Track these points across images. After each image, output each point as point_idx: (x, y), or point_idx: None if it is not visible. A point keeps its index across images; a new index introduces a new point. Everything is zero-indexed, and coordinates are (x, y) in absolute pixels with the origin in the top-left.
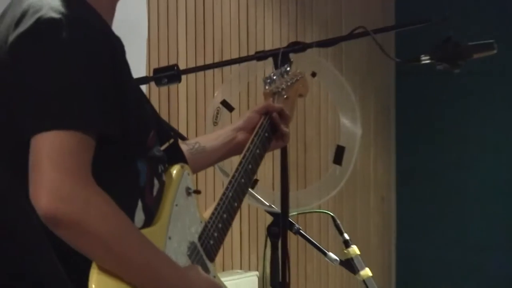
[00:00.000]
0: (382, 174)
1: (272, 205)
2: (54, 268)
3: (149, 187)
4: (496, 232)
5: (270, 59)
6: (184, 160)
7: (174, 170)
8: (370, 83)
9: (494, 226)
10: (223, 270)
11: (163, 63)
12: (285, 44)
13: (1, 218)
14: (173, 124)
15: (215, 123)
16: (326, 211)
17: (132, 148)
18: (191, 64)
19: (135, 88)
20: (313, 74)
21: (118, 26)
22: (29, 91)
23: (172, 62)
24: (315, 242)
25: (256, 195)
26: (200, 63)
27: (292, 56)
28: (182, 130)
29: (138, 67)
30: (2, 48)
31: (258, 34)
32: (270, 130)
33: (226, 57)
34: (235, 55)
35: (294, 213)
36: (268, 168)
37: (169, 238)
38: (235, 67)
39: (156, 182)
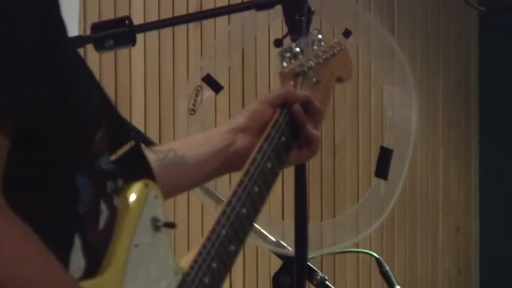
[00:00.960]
0: (457, 193)
1: (282, 242)
2: None
3: (92, 215)
4: None
5: (279, 9)
6: (149, 175)
7: (134, 191)
8: (438, 48)
9: None
10: None
11: (107, 16)
12: None
13: None
14: (123, 114)
15: (192, 112)
16: (368, 251)
17: (68, 155)
18: (152, 17)
19: (75, 60)
20: (347, 33)
21: None
22: None
23: (122, 13)
24: None
25: (257, 226)
26: (167, 14)
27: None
28: (138, 124)
29: (68, 20)
30: None
31: None
32: (289, 132)
33: (208, 6)
34: (221, 3)
35: (317, 255)
36: (277, 186)
37: None
38: (222, 22)
39: (103, 208)
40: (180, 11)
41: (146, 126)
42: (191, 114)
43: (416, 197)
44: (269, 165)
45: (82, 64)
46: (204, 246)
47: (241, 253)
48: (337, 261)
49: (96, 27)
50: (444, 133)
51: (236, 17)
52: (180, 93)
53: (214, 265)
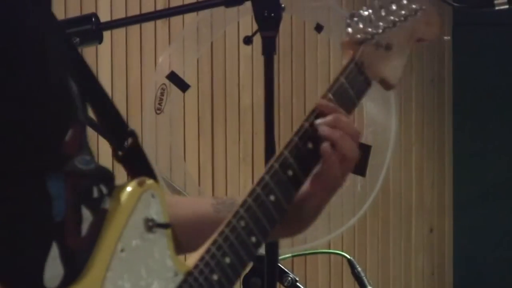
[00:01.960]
0: (431, 193)
1: None
2: None
3: (72, 222)
4: None
5: (248, 5)
6: (149, 172)
7: (125, 191)
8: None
9: None
10: None
11: (73, 13)
12: None
13: None
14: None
15: (158, 111)
16: (340, 252)
17: (36, 156)
18: (119, 14)
19: (49, 57)
20: (318, 28)
21: None
22: None
23: (88, 10)
24: None
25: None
26: (134, 11)
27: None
28: None
29: None
30: None
31: None
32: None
33: (176, 3)
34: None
35: (288, 256)
36: (245, 177)
37: None
38: (190, 18)
39: (86, 213)
40: (148, 7)
41: None
42: (158, 114)
43: (389, 196)
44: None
45: (59, 63)
46: (214, 241)
47: None
48: (308, 262)
49: (61, 24)
50: (418, 132)
51: (205, 10)
52: (148, 91)
53: (227, 260)
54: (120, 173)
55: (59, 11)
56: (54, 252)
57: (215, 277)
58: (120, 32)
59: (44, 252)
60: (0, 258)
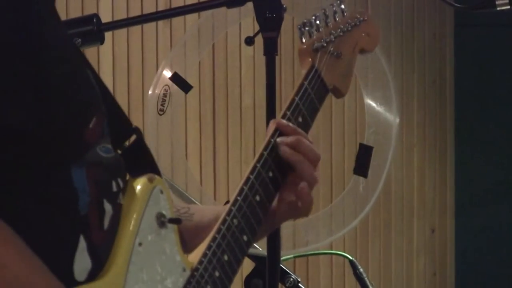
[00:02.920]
0: (432, 194)
1: (255, 245)
2: None
3: (96, 216)
4: None
5: (250, 6)
6: (154, 169)
7: (137, 186)
8: (413, 46)
9: None
10: None
11: (75, 14)
12: None
13: None
14: None
15: (161, 112)
16: (342, 253)
17: (60, 144)
18: (121, 15)
19: (67, 49)
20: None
21: None
22: None
23: (89, 11)
24: None
25: None
26: (135, 12)
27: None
28: None
29: None
30: None
31: None
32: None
33: (178, 3)
34: (191, 0)
35: (290, 257)
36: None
37: None
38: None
39: (108, 207)
40: (149, 8)
41: None
42: (160, 115)
43: (390, 198)
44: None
45: (75, 53)
46: (214, 239)
47: None
48: (310, 263)
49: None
50: (419, 133)
51: (207, 12)
52: (149, 92)
53: (225, 257)
54: None
55: (61, 12)
56: (82, 245)
57: (217, 273)
58: (121, 33)
59: (73, 246)
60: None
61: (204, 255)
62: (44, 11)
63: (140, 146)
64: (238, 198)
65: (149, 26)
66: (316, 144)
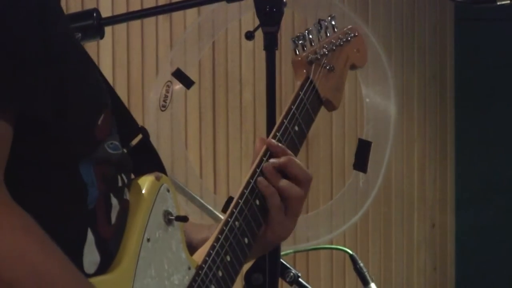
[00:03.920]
0: (433, 188)
1: None
2: None
3: (103, 210)
4: None
5: (250, 0)
6: (160, 167)
7: (145, 184)
8: (414, 40)
9: None
10: None
11: (75, 8)
12: None
13: None
14: None
15: (163, 108)
16: (342, 248)
17: (70, 140)
18: (121, 10)
19: (75, 46)
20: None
21: None
22: None
23: (89, 5)
24: None
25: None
26: (135, 6)
27: None
28: None
29: None
30: None
31: None
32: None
33: None
34: None
35: (290, 251)
36: (246, 173)
37: None
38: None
39: (114, 201)
40: (149, 3)
41: None
42: (162, 110)
43: (391, 192)
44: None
45: (81, 50)
46: (217, 239)
47: None
48: (310, 258)
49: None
50: (420, 128)
51: (207, 8)
52: (149, 86)
53: (228, 258)
54: None
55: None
56: (90, 239)
57: (220, 273)
58: (121, 27)
59: (82, 239)
60: None
61: (208, 254)
62: (53, 6)
63: (146, 145)
64: (240, 201)
65: (149, 21)
66: (316, 141)
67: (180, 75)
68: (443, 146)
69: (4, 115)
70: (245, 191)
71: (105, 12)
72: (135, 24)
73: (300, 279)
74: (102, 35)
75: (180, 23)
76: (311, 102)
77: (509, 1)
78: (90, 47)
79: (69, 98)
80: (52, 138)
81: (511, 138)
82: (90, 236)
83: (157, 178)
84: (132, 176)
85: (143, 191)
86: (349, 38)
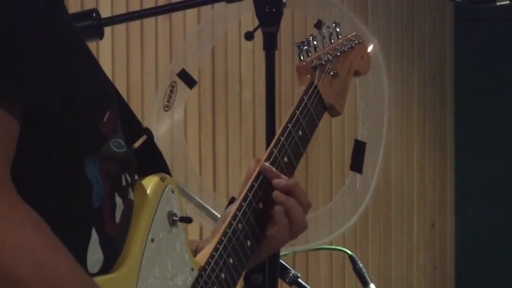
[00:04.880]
0: (432, 188)
1: None
2: None
3: (108, 208)
4: None
5: (249, 1)
6: (165, 168)
7: (150, 184)
8: (413, 39)
9: None
10: None
11: (74, 9)
12: None
13: None
14: None
15: (166, 108)
16: (342, 248)
17: (77, 136)
18: (120, 10)
19: (79, 43)
20: (319, 24)
21: None
22: None
23: (88, 6)
24: None
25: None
26: (135, 7)
27: None
28: None
29: None
30: None
31: None
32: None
33: None
34: None
35: (289, 252)
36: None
37: None
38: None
39: (119, 200)
40: (149, 3)
41: None
42: (166, 111)
43: (390, 192)
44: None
45: (86, 47)
46: (220, 241)
47: None
48: (310, 259)
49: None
50: (419, 128)
51: (207, 14)
52: (149, 87)
53: (231, 260)
54: None
55: None
56: (94, 237)
57: (222, 275)
58: (121, 28)
59: (86, 238)
60: None
61: (211, 256)
62: (59, 3)
63: (151, 146)
64: (243, 203)
65: (149, 21)
66: (316, 141)
67: (184, 76)
68: (443, 146)
69: (11, 108)
70: (248, 194)
71: (105, 13)
72: (135, 24)
73: (299, 280)
74: (101, 36)
75: (180, 23)
76: (315, 107)
77: (508, 1)
78: (89, 47)
79: (76, 92)
80: (59, 133)
81: (511, 139)
82: (94, 235)
83: (162, 179)
84: (136, 177)
85: (148, 192)
86: (353, 45)
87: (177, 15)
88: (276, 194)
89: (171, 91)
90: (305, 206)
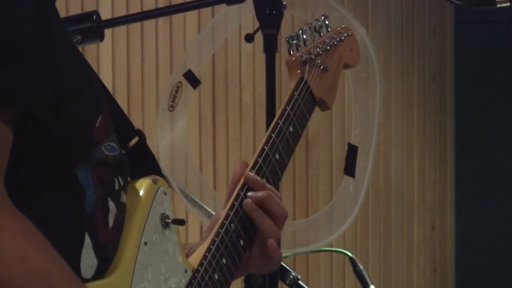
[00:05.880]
0: (432, 191)
1: None
2: None
3: (101, 213)
4: None
5: (250, 2)
6: (157, 170)
7: (142, 187)
8: (413, 41)
9: None
10: None
11: (75, 11)
12: None
13: None
14: None
15: (171, 108)
16: (342, 250)
17: (69, 142)
18: (120, 12)
19: (72, 48)
20: None
21: None
22: None
23: (89, 8)
24: None
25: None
26: (135, 9)
27: None
28: None
29: None
30: None
31: None
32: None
33: (178, 0)
34: None
35: (290, 254)
36: None
37: None
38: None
39: (112, 205)
40: (149, 5)
41: None
42: (170, 111)
43: (390, 195)
44: (217, 276)
45: (77, 52)
46: (213, 241)
47: None
48: (310, 261)
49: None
50: (419, 130)
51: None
52: (149, 89)
53: (224, 260)
54: None
55: (61, 9)
56: (88, 243)
57: (216, 276)
58: (121, 30)
59: (79, 243)
60: None
61: (204, 257)
62: (50, 9)
63: (143, 148)
64: (235, 203)
65: (149, 23)
66: (316, 143)
67: (190, 76)
68: (443, 148)
69: (5, 117)
70: (240, 192)
71: (105, 15)
72: (135, 26)
73: (299, 282)
74: (102, 38)
75: (180, 25)
76: (306, 103)
77: (509, 4)
78: (90, 49)
79: (67, 100)
80: (50, 141)
81: (511, 141)
82: (87, 240)
83: (154, 181)
84: (129, 179)
85: (140, 194)
86: (343, 38)
87: (177, 17)
88: (245, 203)
89: (176, 91)
90: (277, 216)
